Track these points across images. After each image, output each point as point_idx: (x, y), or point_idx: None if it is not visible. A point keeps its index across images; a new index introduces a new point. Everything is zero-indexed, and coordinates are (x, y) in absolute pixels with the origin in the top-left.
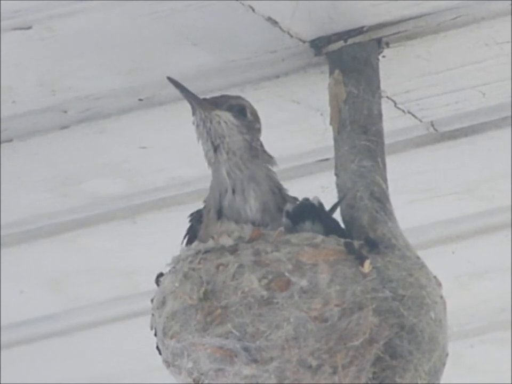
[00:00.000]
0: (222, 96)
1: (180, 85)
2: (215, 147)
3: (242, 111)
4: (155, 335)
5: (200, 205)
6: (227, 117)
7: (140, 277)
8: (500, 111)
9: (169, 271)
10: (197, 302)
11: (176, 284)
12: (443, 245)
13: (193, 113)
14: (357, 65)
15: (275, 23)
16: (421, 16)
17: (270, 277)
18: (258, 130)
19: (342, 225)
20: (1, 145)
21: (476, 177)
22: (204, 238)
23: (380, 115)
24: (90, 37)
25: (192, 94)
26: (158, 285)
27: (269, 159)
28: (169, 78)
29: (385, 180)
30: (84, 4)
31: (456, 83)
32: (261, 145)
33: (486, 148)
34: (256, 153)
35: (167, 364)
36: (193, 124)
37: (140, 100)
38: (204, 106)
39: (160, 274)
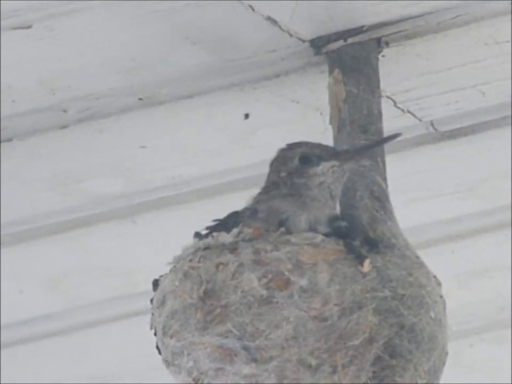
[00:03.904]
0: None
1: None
2: (332, 196)
3: None
4: (155, 334)
5: (199, 205)
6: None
7: (140, 277)
8: (500, 111)
9: (170, 270)
10: (197, 301)
11: (176, 283)
12: (443, 244)
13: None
14: (357, 65)
15: (275, 22)
16: (420, 15)
17: (270, 276)
18: None
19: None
20: (1, 144)
21: (475, 177)
22: None
23: (379, 114)
24: (90, 36)
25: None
26: (154, 290)
27: None
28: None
29: (384, 179)
30: (84, 3)
31: (456, 82)
32: None
33: (486, 148)
34: None
35: (167, 363)
36: (330, 168)
37: (140, 99)
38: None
39: (156, 281)
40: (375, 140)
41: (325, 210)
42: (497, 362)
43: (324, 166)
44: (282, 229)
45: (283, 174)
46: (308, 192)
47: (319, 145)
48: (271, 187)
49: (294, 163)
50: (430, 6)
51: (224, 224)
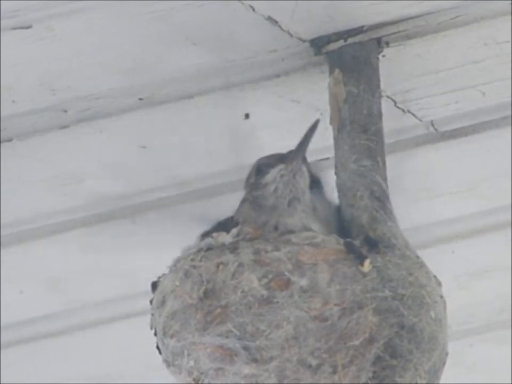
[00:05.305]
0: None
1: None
2: (291, 199)
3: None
4: (155, 334)
5: (199, 205)
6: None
7: (140, 277)
8: (500, 111)
9: (170, 270)
10: (197, 301)
11: (177, 283)
12: (443, 245)
13: (284, 162)
14: (357, 65)
15: (275, 22)
16: (420, 15)
17: (270, 276)
18: None
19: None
20: (1, 144)
21: (475, 177)
22: None
23: (379, 114)
24: (90, 37)
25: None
26: (153, 292)
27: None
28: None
29: (385, 179)
30: (84, 4)
31: (456, 82)
32: None
33: (486, 148)
34: None
35: (167, 363)
36: (278, 172)
37: (140, 99)
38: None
39: (154, 283)
40: (305, 133)
41: (292, 213)
42: (497, 362)
43: (272, 173)
44: (282, 229)
45: (247, 190)
46: (264, 202)
47: (272, 155)
48: (241, 205)
49: (253, 178)
50: (430, 6)
51: (221, 227)
